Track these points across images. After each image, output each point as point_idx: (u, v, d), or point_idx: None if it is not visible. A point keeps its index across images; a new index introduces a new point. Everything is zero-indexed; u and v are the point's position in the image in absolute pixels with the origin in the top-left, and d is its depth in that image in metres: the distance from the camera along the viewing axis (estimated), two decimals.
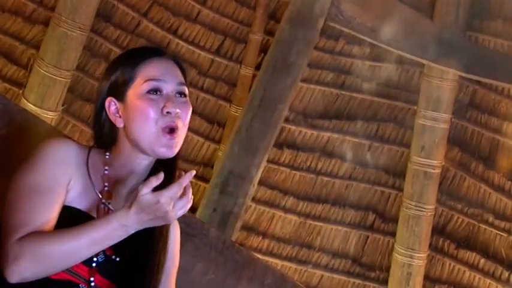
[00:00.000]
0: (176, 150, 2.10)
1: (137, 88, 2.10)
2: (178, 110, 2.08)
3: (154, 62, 2.13)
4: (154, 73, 2.11)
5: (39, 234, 1.92)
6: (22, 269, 1.89)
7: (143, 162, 2.11)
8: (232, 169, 4.90)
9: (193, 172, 1.94)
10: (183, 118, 2.10)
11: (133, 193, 1.93)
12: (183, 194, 1.93)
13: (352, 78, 6.15)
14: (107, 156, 2.12)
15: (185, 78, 2.17)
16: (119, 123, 2.11)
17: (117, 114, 2.11)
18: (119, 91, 2.12)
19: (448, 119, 5.87)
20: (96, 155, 2.12)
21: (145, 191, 1.90)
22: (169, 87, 2.11)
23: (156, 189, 1.91)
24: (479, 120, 6.03)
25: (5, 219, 1.97)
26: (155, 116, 2.07)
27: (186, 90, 2.14)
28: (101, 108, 2.14)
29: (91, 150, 2.12)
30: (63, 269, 1.95)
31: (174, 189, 1.91)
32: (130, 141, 2.10)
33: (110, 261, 2.03)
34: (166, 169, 2.07)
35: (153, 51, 2.17)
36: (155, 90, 2.09)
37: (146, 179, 2.04)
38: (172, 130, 2.07)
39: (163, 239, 2.10)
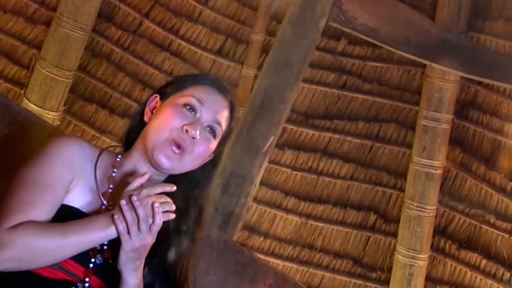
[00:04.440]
0: (175, 167, 2.09)
1: (178, 97, 2.13)
2: (197, 136, 2.09)
3: (209, 90, 2.16)
4: (200, 95, 2.13)
5: (31, 225, 1.91)
6: (5, 258, 1.88)
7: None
8: (233, 169, 4.88)
9: (172, 186, 2.00)
10: (197, 149, 2.10)
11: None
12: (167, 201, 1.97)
13: (354, 78, 6.15)
14: (118, 159, 2.13)
15: (229, 126, 2.18)
16: (147, 118, 2.15)
17: (152, 110, 2.16)
18: (166, 92, 2.17)
19: (449, 120, 5.87)
20: (106, 157, 2.13)
21: (131, 187, 1.97)
22: (204, 115, 2.12)
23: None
24: (480, 120, 6.02)
25: (1, 205, 1.97)
26: (175, 126, 2.08)
27: (218, 132, 2.14)
28: (144, 105, 2.19)
29: (102, 152, 2.13)
30: (43, 266, 1.94)
31: (157, 187, 1.97)
32: (142, 143, 2.11)
33: (106, 264, 2.03)
34: (184, 192, 2.13)
35: (217, 84, 2.19)
36: (192, 109, 2.11)
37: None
38: (180, 146, 2.07)
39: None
